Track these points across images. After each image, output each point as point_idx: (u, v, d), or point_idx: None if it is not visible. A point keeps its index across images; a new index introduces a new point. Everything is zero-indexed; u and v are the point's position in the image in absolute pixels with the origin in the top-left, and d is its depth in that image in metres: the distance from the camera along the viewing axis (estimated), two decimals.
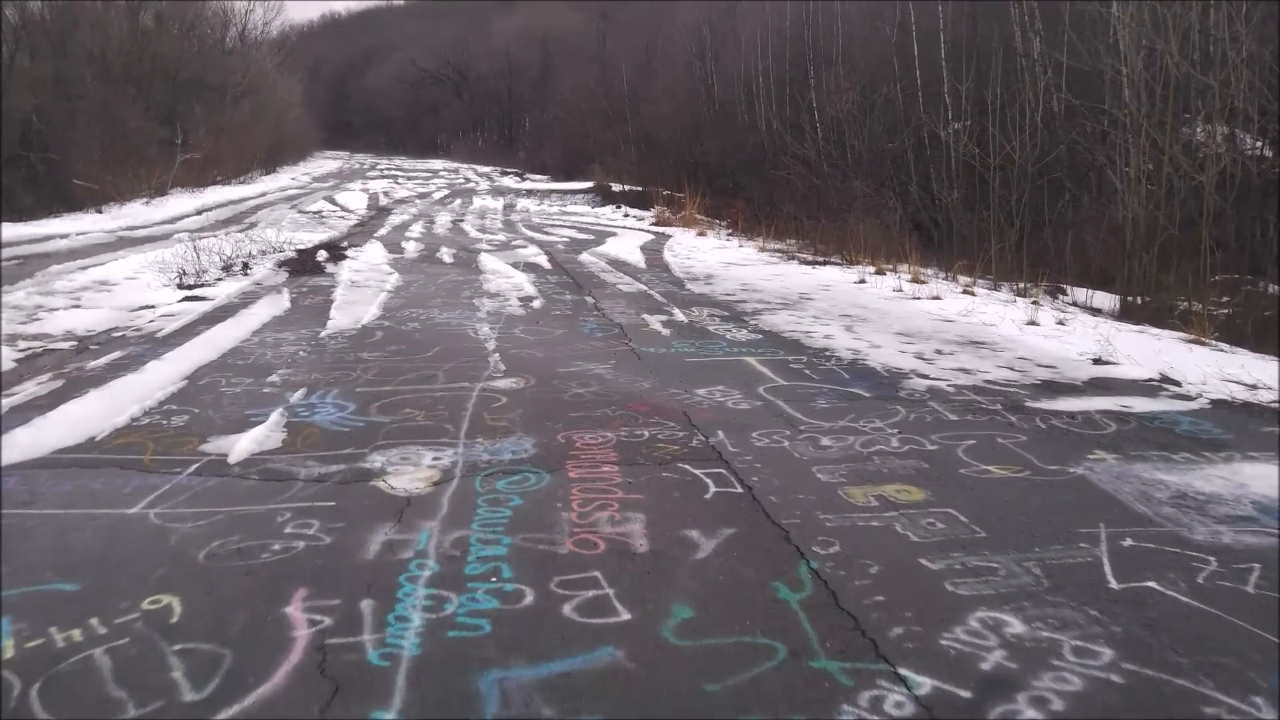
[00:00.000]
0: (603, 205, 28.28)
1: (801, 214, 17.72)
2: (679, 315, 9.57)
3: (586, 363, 7.21)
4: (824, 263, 14.96)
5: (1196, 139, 13.20)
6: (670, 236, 19.92)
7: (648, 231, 21.49)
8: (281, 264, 12.58)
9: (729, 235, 21.70)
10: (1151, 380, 7.07)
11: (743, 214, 24.18)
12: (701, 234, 21.00)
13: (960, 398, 6.31)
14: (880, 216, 15.73)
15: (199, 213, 23.43)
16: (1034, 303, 11.72)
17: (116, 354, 7.11)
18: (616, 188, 30.81)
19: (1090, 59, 13.25)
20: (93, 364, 6.69)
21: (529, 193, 31.92)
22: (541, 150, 49.08)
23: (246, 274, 11.73)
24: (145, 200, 24.42)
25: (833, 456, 5.02)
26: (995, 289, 13.35)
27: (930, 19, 26.04)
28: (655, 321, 9.16)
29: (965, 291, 11.81)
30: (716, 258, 15.39)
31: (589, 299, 10.66)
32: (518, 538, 3.79)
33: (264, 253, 13.85)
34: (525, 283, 11.76)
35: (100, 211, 22.65)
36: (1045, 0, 16.82)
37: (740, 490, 4.45)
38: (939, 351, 7.85)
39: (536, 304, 10.17)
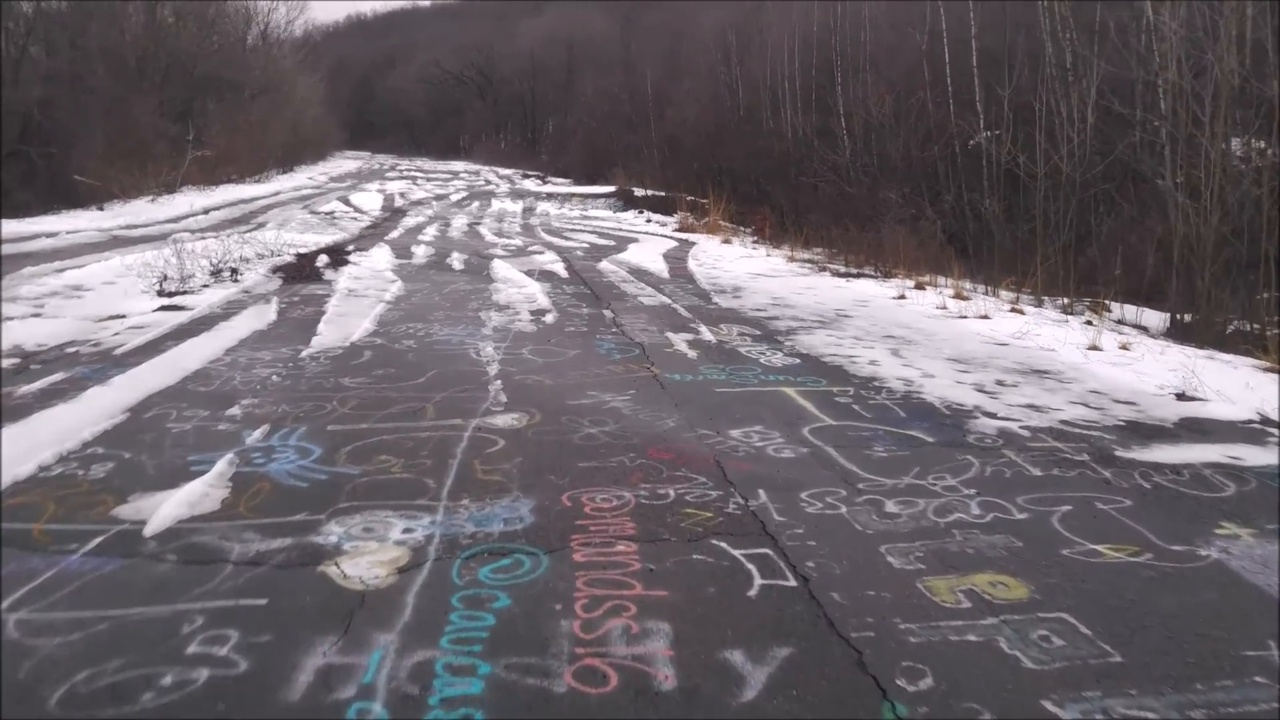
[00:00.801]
0: (625, 210, 27.33)
1: (831, 223, 16.68)
2: (706, 334, 8.56)
3: (602, 393, 6.23)
4: (857, 275, 13.90)
5: (1253, 151, 12.11)
6: (694, 244, 18.92)
7: (671, 238, 20.50)
8: (276, 270, 11.70)
9: (754, 243, 20.67)
10: (1251, 423, 6.02)
11: (768, 221, 23.15)
12: (726, 241, 19.99)
13: (1038, 444, 5.27)
14: (914, 227, 14.68)
15: (206, 212, 22.67)
16: (1088, 322, 10.65)
17: (58, 376, 6.19)
18: (639, 192, 29.86)
19: (1138, 66, 12.16)
20: (25, 389, 5.77)
21: (549, 196, 31.04)
22: (564, 153, 48.24)
23: (236, 280, 10.85)
24: (151, 198, 23.71)
25: (903, 530, 4.00)
26: (1039, 305, 12.27)
27: (961, 24, 24.95)
28: (680, 341, 8.16)
29: (1013, 310, 10.72)
30: (743, 268, 14.37)
31: (607, 313, 9.68)
32: (500, 664, 2.80)
33: (261, 256, 12.98)
34: (539, 293, 10.80)
35: (102, 209, 21.94)
36: (1085, 1, 15.74)
37: (794, 583, 3.44)
38: (1000, 383, 6.80)
39: (549, 318, 9.20)
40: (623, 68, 46.01)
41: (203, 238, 15.27)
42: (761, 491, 4.37)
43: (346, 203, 26.53)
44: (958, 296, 11.55)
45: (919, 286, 12.31)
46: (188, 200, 24.85)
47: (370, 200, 27.54)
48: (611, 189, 31.22)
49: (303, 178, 37.54)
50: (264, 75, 37.31)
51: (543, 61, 59.47)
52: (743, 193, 28.53)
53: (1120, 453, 5.13)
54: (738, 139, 32.41)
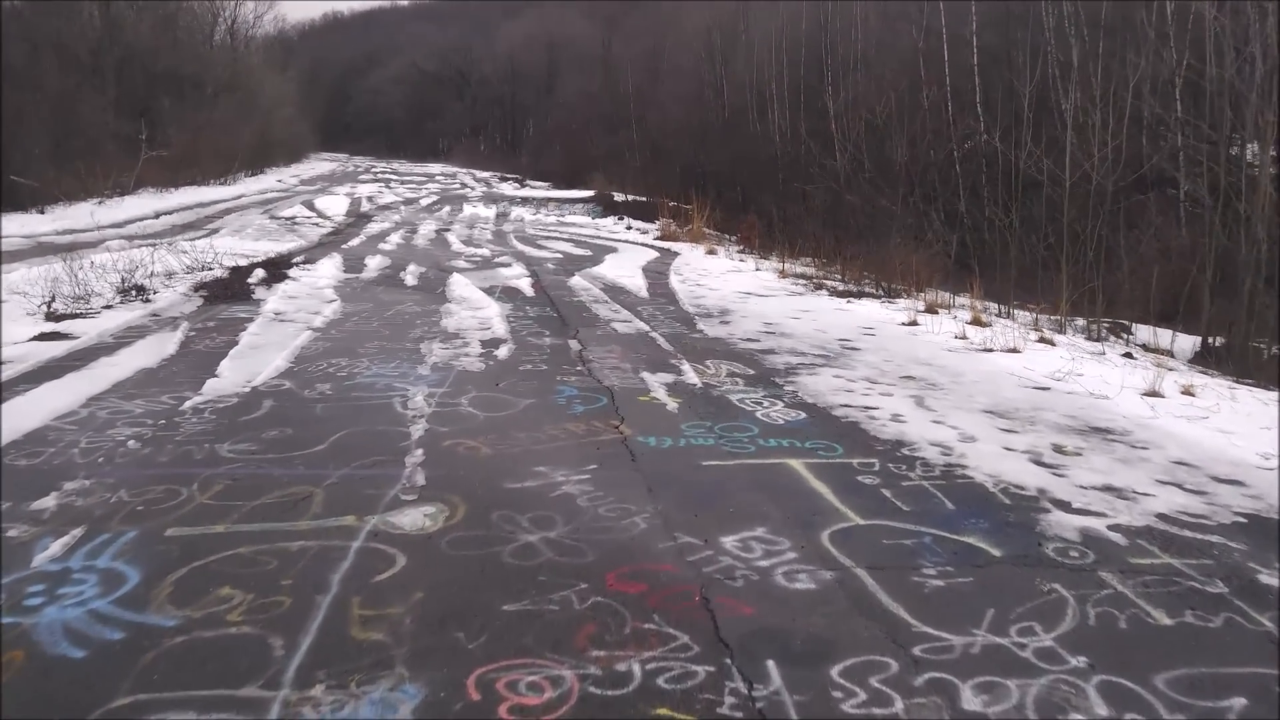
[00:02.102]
0: (604, 216, 25.81)
1: (826, 233, 15.27)
2: (690, 374, 7.07)
3: (554, 468, 4.72)
4: (858, 294, 12.46)
5: None
6: (677, 255, 17.44)
7: (651, 247, 19.02)
8: (199, 287, 10.11)
9: (741, 254, 19.24)
10: None
11: (755, 230, 21.74)
12: (711, 252, 18.53)
13: (1146, 561, 3.81)
14: (921, 239, 13.29)
15: (156, 216, 21.02)
16: (1126, 354, 9.28)
17: None
18: (619, 197, 28.37)
19: (1175, 64, 10.85)
20: None
21: (525, 201, 29.49)
22: (543, 157, 46.72)
23: (147, 300, 9.26)
24: (98, 201, 21.99)
25: None
26: (1061, 328, 10.90)
27: (958, 21, 23.63)
28: (658, 385, 6.66)
29: (1042, 339, 9.30)
30: (731, 285, 12.91)
31: (574, 344, 8.18)
32: None
33: (191, 270, 11.39)
34: (496, 317, 9.29)
35: (42, 212, 20.22)
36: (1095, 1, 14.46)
37: None
38: (1060, 450, 5.35)
39: (503, 352, 7.68)
40: (604, 69, 44.54)
41: (137, 246, 13.69)
42: (772, 666, 2.88)
43: (310, 207, 24.89)
44: (976, 323, 10.14)
45: (930, 310, 10.89)
46: (141, 203, 23.16)
47: (336, 205, 25.90)
48: (590, 194, 29.73)
49: (271, 180, 35.81)
50: (229, 73, 35.52)
51: (523, 63, 57.93)
52: (728, 199, 27.11)
53: (1265, 577, 3.69)
54: (722, 141, 31.01)
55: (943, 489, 4.57)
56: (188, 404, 5.74)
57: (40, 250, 14.20)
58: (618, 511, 4.15)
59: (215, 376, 6.43)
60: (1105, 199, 10.93)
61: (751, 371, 7.33)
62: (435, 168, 53.67)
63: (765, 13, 33.01)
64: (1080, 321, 11.51)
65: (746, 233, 21.98)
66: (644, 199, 27.71)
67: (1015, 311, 11.96)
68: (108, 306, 8.89)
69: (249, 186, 31.44)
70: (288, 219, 21.71)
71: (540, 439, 5.26)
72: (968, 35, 21.82)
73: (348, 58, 76.41)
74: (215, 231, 18.95)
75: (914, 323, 10.04)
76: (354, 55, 76.27)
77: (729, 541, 3.83)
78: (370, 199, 28.91)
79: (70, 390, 5.98)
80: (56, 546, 3.69)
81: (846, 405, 6.30)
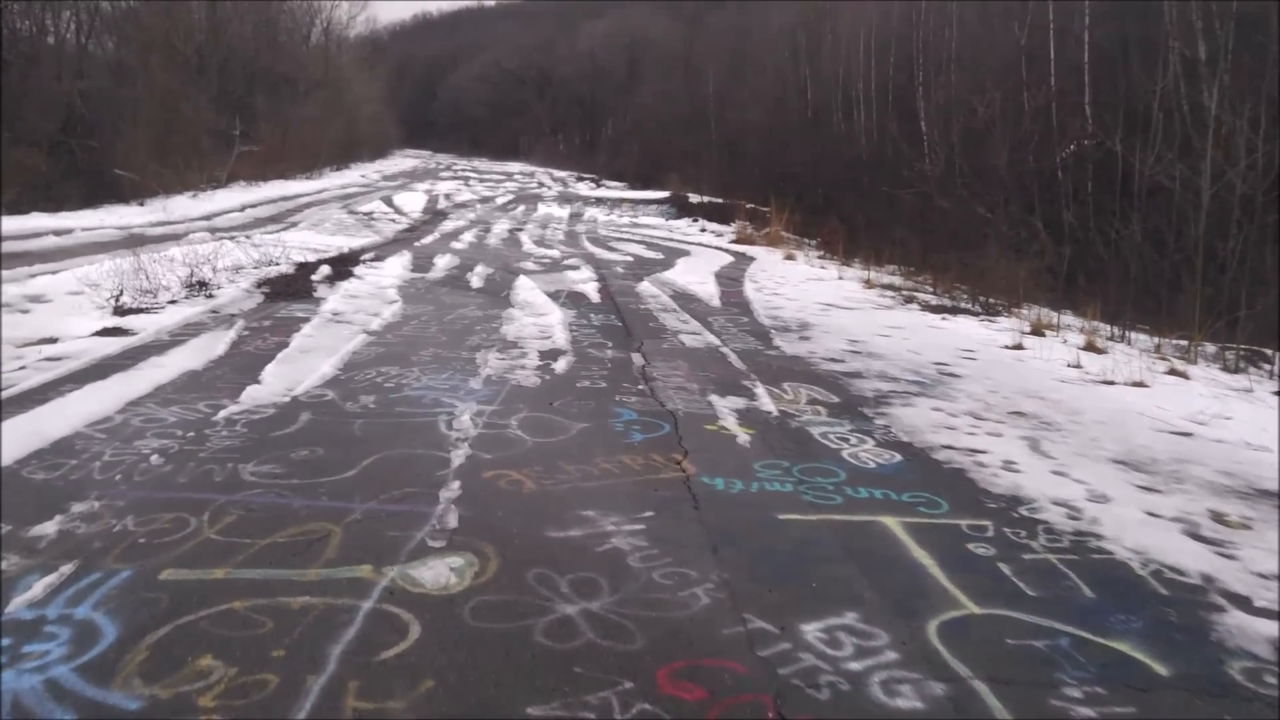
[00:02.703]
0: (678, 218, 25.11)
1: (917, 242, 14.24)
2: (764, 400, 6.33)
3: (603, 514, 4.06)
4: (953, 309, 11.48)
5: None
6: (753, 260, 16.64)
7: (726, 251, 18.26)
8: (262, 283, 9.81)
9: (822, 259, 18.30)
10: None
11: (837, 235, 20.74)
12: (789, 257, 17.67)
13: None
14: (1024, 252, 12.19)
15: (242, 209, 21.20)
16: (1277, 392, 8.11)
17: None
18: (694, 199, 27.62)
19: None
20: None
21: (599, 201, 29.00)
22: (620, 156, 46.26)
23: (210, 296, 8.98)
24: (192, 194, 22.35)
25: None
26: (1188, 357, 9.71)
27: (1063, 16, 22.08)
28: (728, 412, 5.95)
29: (1172, 372, 8.21)
30: (811, 295, 12.06)
31: (637, 358, 7.52)
32: None
33: (260, 264, 11.15)
34: (558, 325, 8.69)
35: (143, 204, 20.62)
36: None
37: None
38: (1220, 519, 4.40)
39: (561, 365, 7.06)
40: (684, 69, 43.81)
41: (218, 238, 13.63)
42: None
43: (389, 203, 24.89)
44: (1090, 348, 9.09)
45: (1036, 331, 9.86)
46: (231, 197, 23.50)
47: (413, 201, 25.87)
48: (665, 194, 29.05)
49: (355, 175, 36.22)
50: (321, 71, 36.10)
51: (603, 63, 57.62)
52: (808, 202, 26.07)
53: None
54: (804, 142, 29.94)
55: (1075, 567, 3.73)
56: (222, 414, 5.28)
57: (130, 242, 14.26)
58: (675, 578, 3.46)
59: (257, 383, 5.98)
60: (1255, 210, 9.66)
61: (835, 399, 6.53)
62: (514, 166, 53.81)
63: (853, 10, 31.78)
64: (1210, 348, 10.27)
65: (828, 237, 21.00)
66: (720, 200, 26.91)
67: (1133, 335, 10.81)
68: (172, 301, 8.64)
69: (333, 181, 31.79)
70: (365, 214, 21.67)
71: (591, 474, 4.61)
72: (1077, 31, 20.36)
73: (434, 56, 77.47)
74: (294, 225, 18.97)
75: (1019, 346, 9.05)
76: (440, 54, 77.27)
77: (811, 631, 3.09)
78: (448, 196, 28.86)
79: (111, 393, 5.59)
80: (39, 587, 3.21)
81: (948, 446, 5.47)
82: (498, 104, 67.91)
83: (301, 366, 6.50)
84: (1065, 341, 9.63)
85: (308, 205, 23.36)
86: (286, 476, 4.36)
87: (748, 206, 24.85)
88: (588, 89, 59.05)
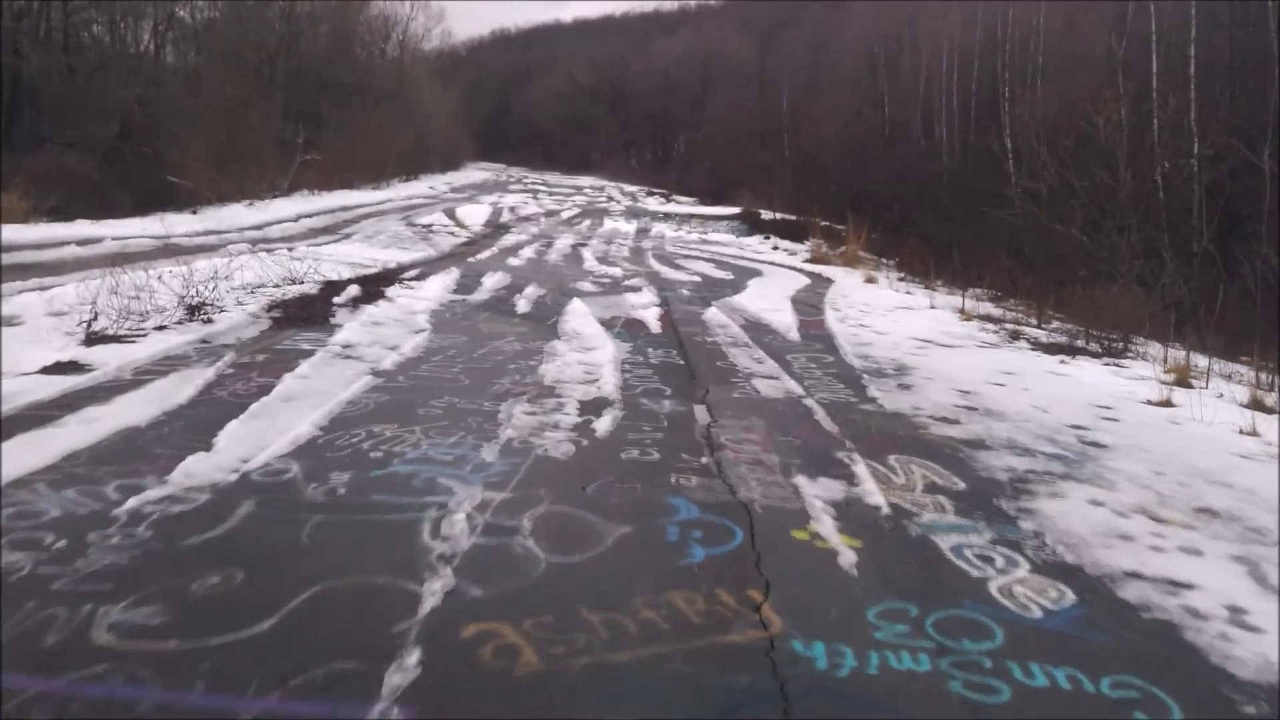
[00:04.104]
0: (749, 235, 23.41)
1: (1019, 267, 12.26)
2: (868, 485, 4.62)
3: None
4: (1070, 348, 9.52)
5: None
6: (831, 282, 14.86)
7: (800, 271, 16.51)
8: (274, 306, 8.49)
9: (903, 281, 16.40)
10: None
11: (919, 256, 18.77)
12: (870, 280, 15.81)
13: None
14: (1150, 284, 10.16)
15: (297, 219, 20.25)
16: None
17: None
18: (766, 215, 25.83)
19: None
20: None
21: (668, 217, 27.45)
22: (691, 172, 44.75)
23: (207, 320, 7.67)
24: (249, 203, 21.60)
25: None
26: None
27: (1145, 23, 19.69)
28: (822, 507, 4.26)
29: None
30: (903, 327, 10.25)
31: (701, 413, 5.89)
32: None
33: (284, 282, 9.88)
34: (608, 363, 7.12)
35: (195, 212, 19.88)
36: None
37: None
38: None
39: (604, 425, 5.46)
40: (758, 84, 42.13)
41: (256, 251, 12.51)
42: None
43: (451, 215, 23.78)
44: (1257, 405, 7.11)
45: (1181, 381, 7.89)
46: (290, 206, 22.70)
47: (476, 214, 24.74)
48: (736, 210, 27.33)
49: (423, 186, 35.45)
50: (392, 82, 35.53)
51: (676, 78, 56.24)
52: (885, 219, 24.07)
53: None
54: (882, 158, 27.91)
55: None
56: (129, 504, 3.82)
57: (163, 254, 13.26)
58: None
59: (206, 450, 4.53)
60: None
61: (960, 484, 4.79)
62: (585, 180, 52.74)
63: (937, 23, 29.59)
64: None
65: (907, 258, 19.07)
66: (793, 218, 25.10)
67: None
68: (161, 327, 7.34)
69: (399, 191, 30.97)
70: (424, 226, 20.56)
71: (626, 632, 2.98)
72: (1179, 40, 18.00)
73: (510, 71, 77.20)
74: (347, 237, 17.94)
75: (1167, 402, 7.11)
76: (516, 69, 76.98)
77: None
78: (513, 210, 27.70)
79: (9, 461, 4.21)
80: None
81: (1135, 575, 3.71)
82: (570, 119, 67.14)
83: (275, 423, 5.05)
84: (1221, 396, 7.66)
85: (367, 216, 22.39)
86: (163, 634, 2.84)
87: (822, 224, 23.02)
88: (660, 104, 57.78)
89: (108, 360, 6.17)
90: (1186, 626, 3.32)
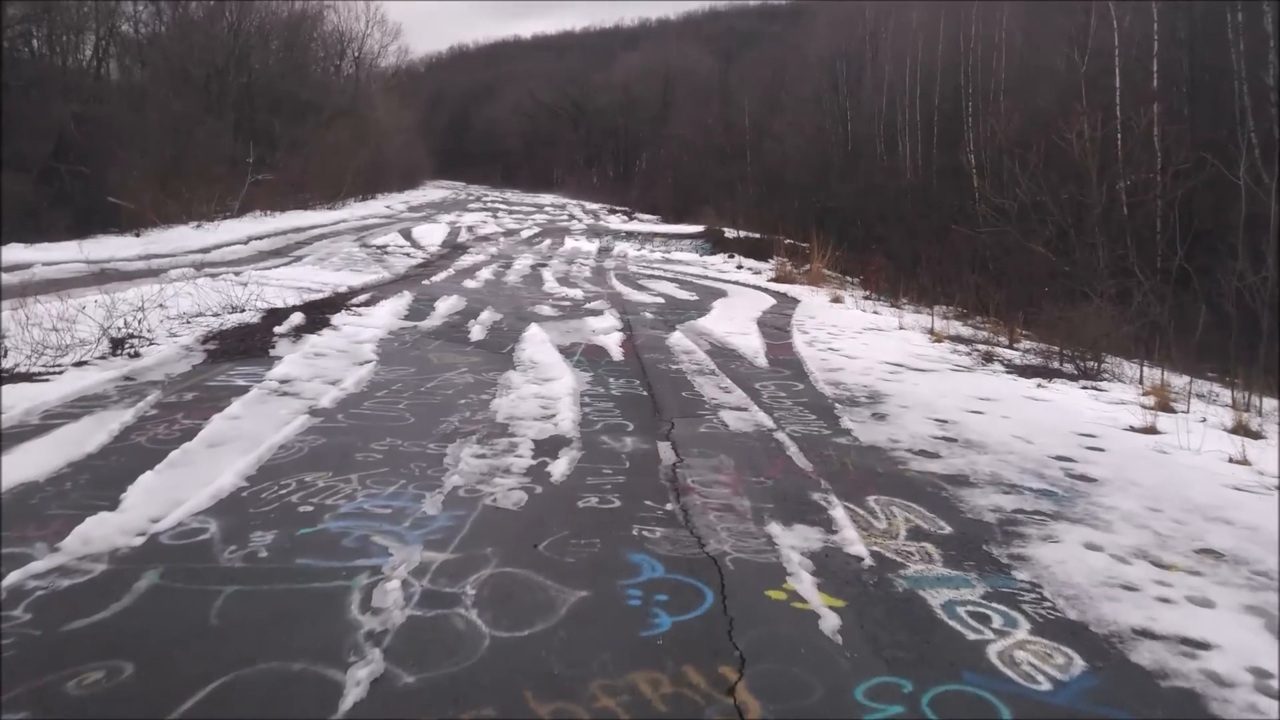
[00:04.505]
0: (713, 253, 23.20)
1: (984, 284, 12.14)
2: (849, 532, 4.28)
3: None
4: (1046, 370, 9.34)
5: None
6: (797, 302, 14.65)
7: (766, 291, 16.28)
8: (209, 337, 7.97)
9: (870, 300, 16.26)
10: None
11: (883, 272, 18.71)
12: (836, 299, 15.64)
13: None
14: (1125, 302, 10.06)
15: (247, 241, 19.62)
16: None
17: None
18: (730, 233, 25.67)
19: None
20: None
21: (630, 235, 27.17)
22: (654, 189, 44.63)
23: (134, 355, 7.14)
24: (196, 224, 20.87)
25: None
26: None
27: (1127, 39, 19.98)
28: (799, 560, 3.91)
29: None
30: (873, 350, 10.01)
31: (665, 451, 5.52)
32: None
33: (223, 310, 9.35)
34: (566, 396, 6.73)
35: (138, 235, 19.13)
36: None
37: None
38: None
39: (560, 468, 5.07)
40: (720, 99, 42.20)
41: (195, 277, 11.95)
42: None
43: (406, 236, 23.27)
44: (1243, 430, 6.94)
45: (1163, 405, 7.71)
46: (240, 227, 22.00)
47: (434, 234, 24.26)
48: (700, 229, 27.14)
49: (380, 206, 34.84)
50: (348, 99, 34.92)
51: (638, 94, 56.28)
52: (849, 236, 24.04)
53: None
54: (845, 174, 27.97)
55: None
56: (10, 579, 3.34)
57: (102, 278, 12.62)
58: None
59: (111, 509, 4.06)
60: None
61: (946, 528, 4.48)
62: (546, 198, 52.40)
63: (896, 39, 29.86)
64: None
65: (874, 275, 18.99)
66: (757, 235, 24.97)
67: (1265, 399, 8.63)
68: (81, 363, 6.80)
69: (354, 211, 30.35)
70: (379, 248, 20.04)
71: None
72: (1142, 56, 18.24)
73: (469, 88, 76.75)
74: (299, 259, 17.35)
75: (1152, 429, 6.90)
76: (476, 86, 76.55)
77: None
78: (471, 229, 27.23)
79: None
80: None
81: (1146, 633, 3.42)
82: (531, 135, 66.83)
83: (196, 473, 4.58)
84: (1205, 420, 7.48)
85: (320, 237, 21.80)
86: None
87: (786, 242, 22.91)
88: (622, 121, 57.72)
89: (13, 403, 5.63)
90: (1211, 697, 3.02)
